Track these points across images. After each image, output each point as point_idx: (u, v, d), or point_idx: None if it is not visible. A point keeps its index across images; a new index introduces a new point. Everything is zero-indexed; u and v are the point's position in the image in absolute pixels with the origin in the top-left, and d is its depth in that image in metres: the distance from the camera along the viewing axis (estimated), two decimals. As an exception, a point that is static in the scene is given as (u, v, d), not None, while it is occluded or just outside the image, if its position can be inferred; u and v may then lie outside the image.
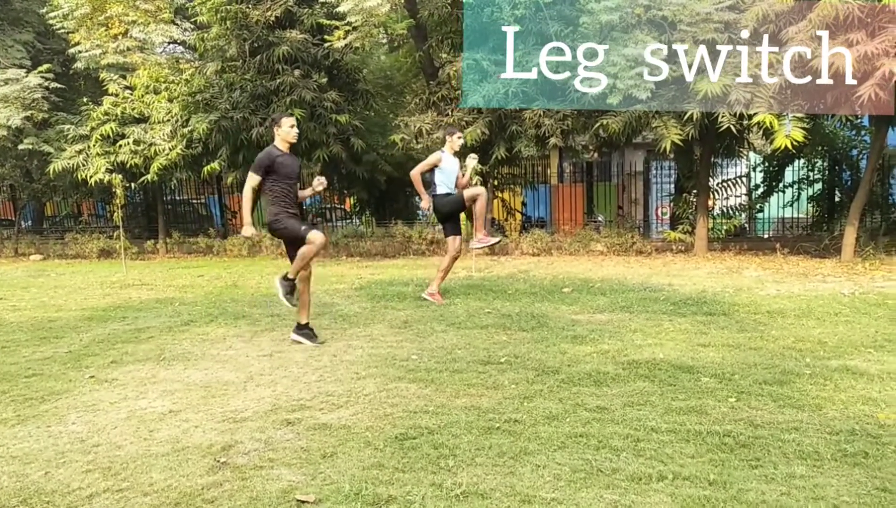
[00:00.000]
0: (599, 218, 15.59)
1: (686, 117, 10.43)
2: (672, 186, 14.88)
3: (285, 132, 5.83)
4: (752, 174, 15.01)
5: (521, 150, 12.46)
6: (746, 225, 14.93)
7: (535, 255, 12.50)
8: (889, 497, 2.91)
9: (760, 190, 14.55)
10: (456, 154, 7.75)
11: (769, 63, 9.81)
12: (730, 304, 7.14)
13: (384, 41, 15.19)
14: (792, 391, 4.29)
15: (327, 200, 18.17)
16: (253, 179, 5.80)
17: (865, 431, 3.59)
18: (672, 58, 10.25)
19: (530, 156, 15.53)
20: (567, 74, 10.96)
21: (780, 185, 14.25)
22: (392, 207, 16.98)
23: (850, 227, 10.54)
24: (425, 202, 7.84)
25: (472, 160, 7.95)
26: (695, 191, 12.79)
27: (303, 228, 5.79)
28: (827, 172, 13.85)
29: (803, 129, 9.72)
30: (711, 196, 13.66)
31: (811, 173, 14.03)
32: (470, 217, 9.25)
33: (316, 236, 5.74)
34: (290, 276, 5.86)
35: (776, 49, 9.71)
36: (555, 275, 9.80)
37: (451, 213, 7.75)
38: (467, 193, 7.63)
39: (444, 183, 7.65)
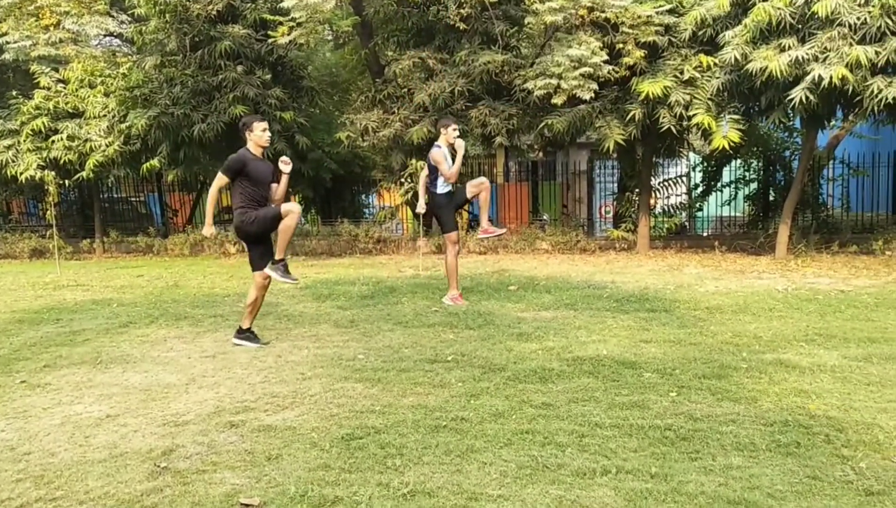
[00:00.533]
0: (544, 217, 15.77)
1: (628, 118, 10.65)
2: (615, 185, 15.17)
3: (257, 136, 5.68)
4: (692, 174, 15.41)
5: (468, 149, 12.49)
6: (687, 224, 15.32)
7: (481, 253, 12.57)
8: (819, 484, 3.02)
9: (700, 189, 14.96)
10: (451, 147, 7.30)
11: (707, 66, 10.11)
12: (671, 301, 7.31)
13: (329, 38, 15.04)
14: (729, 385, 4.42)
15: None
16: (220, 180, 5.66)
17: (798, 422, 3.73)
18: (615, 59, 10.46)
19: (477, 155, 15.63)
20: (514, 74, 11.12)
21: (718, 184, 14.69)
22: (338, 205, 16.85)
23: (783, 225, 10.93)
24: (421, 206, 7.67)
25: (461, 147, 7.26)
26: (637, 190, 13.06)
27: (271, 207, 5.72)
28: (762, 172, 14.32)
29: (739, 130, 10.04)
30: (653, 195, 13.98)
31: (747, 173, 14.49)
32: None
33: (292, 206, 5.64)
34: (279, 256, 5.73)
35: (714, 52, 10.00)
36: (501, 273, 9.88)
37: (442, 219, 7.47)
38: (471, 186, 7.37)
39: (443, 181, 7.26)
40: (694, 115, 10.11)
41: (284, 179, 5.82)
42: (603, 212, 16.65)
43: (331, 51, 16.59)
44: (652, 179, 13.61)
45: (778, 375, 4.61)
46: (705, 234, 15.03)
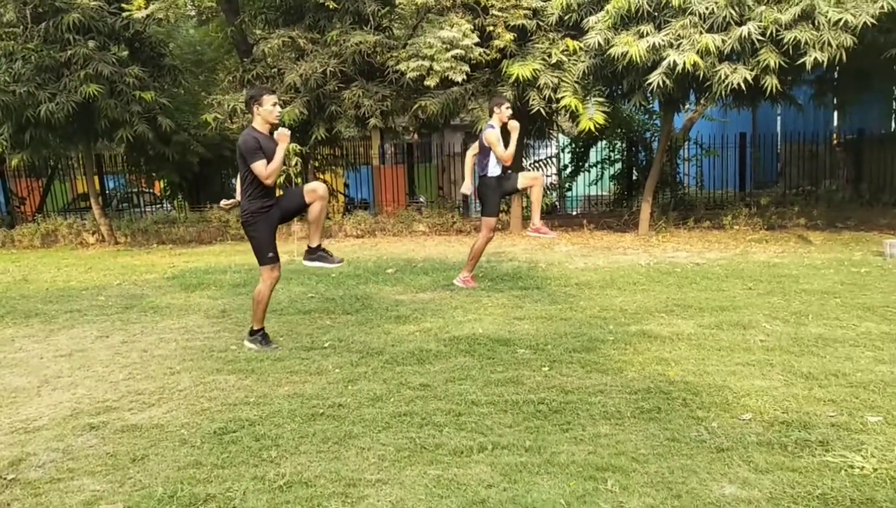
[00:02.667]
0: (421, 199, 15.85)
1: (500, 100, 10.83)
2: (489, 166, 15.43)
3: (267, 111, 4.94)
4: (562, 155, 15.98)
5: (342, 130, 12.31)
6: (557, 203, 15.89)
7: (358, 237, 12.46)
8: (677, 445, 3.23)
9: (569, 170, 15.54)
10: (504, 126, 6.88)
11: (573, 50, 10.46)
12: (543, 278, 7.56)
13: (192, 13, 14.26)
14: (598, 357, 4.63)
15: (133, 183, 16.87)
16: (257, 165, 4.81)
17: (659, 388, 3.97)
18: (486, 42, 10.59)
19: (352, 137, 15.42)
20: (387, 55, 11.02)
21: (586, 165, 15.32)
22: (207, 190, 16.12)
23: (645, 203, 11.56)
24: (468, 187, 7.27)
25: (516, 129, 6.87)
26: (510, 172, 13.35)
27: (293, 190, 5.10)
28: (625, 152, 15.07)
29: (604, 112, 10.47)
30: (525, 176, 14.35)
31: (612, 154, 15.20)
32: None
33: (316, 186, 5.04)
34: (314, 245, 5.23)
35: (579, 37, 10.35)
36: (378, 256, 9.84)
37: (485, 202, 7.10)
38: (525, 177, 7.06)
39: (497, 162, 6.87)
40: (562, 97, 10.43)
41: (280, 151, 4.93)
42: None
43: (194, 27, 15.75)
44: (524, 160, 13.97)
45: (641, 345, 4.87)
46: (575, 213, 15.65)
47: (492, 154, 6.83)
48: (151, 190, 17.23)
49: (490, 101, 7.55)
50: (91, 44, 11.22)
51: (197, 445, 3.43)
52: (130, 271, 9.21)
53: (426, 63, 10.24)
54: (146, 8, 10.33)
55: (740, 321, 5.43)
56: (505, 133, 6.85)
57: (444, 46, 10.15)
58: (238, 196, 5.14)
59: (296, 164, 10.65)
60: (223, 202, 5.75)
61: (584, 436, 3.37)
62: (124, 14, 11.13)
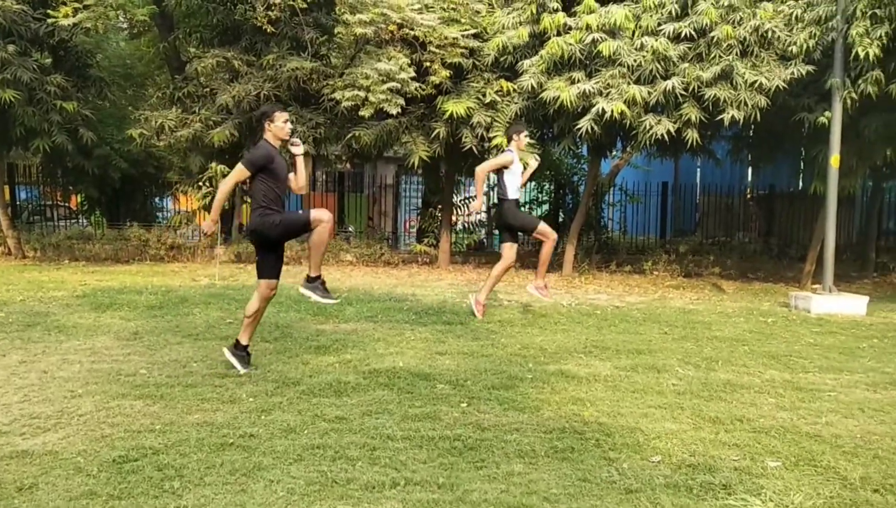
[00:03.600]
0: (350, 229, 15.76)
1: (433, 135, 10.96)
2: (420, 200, 15.54)
3: (278, 128, 4.96)
4: (492, 194, 16.21)
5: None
6: (485, 240, 16.07)
7: (285, 264, 12.22)
8: (588, 486, 3.26)
9: (484, 207, 15.77)
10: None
11: (507, 91, 10.70)
12: (467, 314, 7.58)
13: (124, 26, 13.90)
14: (516, 395, 4.65)
15: (48, 196, 16.14)
16: (241, 174, 4.92)
17: (573, 428, 4.01)
18: (423, 77, 10.72)
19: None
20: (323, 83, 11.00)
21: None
22: (128, 207, 15.58)
23: (570, 245, 11.83)
24: (478, 204, 7.47)
25: (535, 161, 7.55)
26: (440, 206, 13.46)
27: (299, 212, 5.07)
28: (553, 195, 15.43)
29: (534, 154, 10.71)
30: (455, 212, 14.50)
31: (540, 195, 15.53)
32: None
33: (323, 214, 4.99)
34: (314, 274, 5.19)
35: (514, 79, 10.61)
36: (303, 284, 9.66)
37: (517, 226, 7.36)
38: (542, 229, 7.24)
39: (514, 186, 7.09)
40: (494, 136, 10.62)
41: (300, 162, 5.09)
42: (408, 226, 16.99)
43: (125, 40, 15.36)
44: (454, 196, 14.12)
45: (559, 385, 4.93)
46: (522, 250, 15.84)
47: (510, 177, 7.05)
48: (67, 204, 16.51)
49: (508, 128, 7.92)
50: (10, 48, 10.77)
51: (93, 474, 3.25)
52: (37, 287, 8.75)
53: (362, 94, 10.27)
54: (74, 16, 10.01)
55: (655, 364, 5.58)
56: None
57: (381, 78, 10.22)
58: (214, 215, 5.09)
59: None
60: (205, 226, 5.37)
61: (497, 474, 3.37)
62: (49, 20, 10.74)
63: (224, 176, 10.49)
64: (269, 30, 10.80)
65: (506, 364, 5.45)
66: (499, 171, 7.11)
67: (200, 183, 11.72)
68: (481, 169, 7.26)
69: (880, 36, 8.20)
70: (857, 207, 14.43)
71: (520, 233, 7.79)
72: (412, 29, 10.35)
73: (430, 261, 12.89)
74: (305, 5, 10.48)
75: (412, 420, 4.09)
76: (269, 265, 5.09)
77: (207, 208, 12.06)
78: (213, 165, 10.68)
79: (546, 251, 7.38)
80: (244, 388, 4.63)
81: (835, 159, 8.70)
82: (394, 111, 10.41)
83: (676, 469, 3.46)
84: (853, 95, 8.68)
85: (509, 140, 7.32)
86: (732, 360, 5.83)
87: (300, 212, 5.26)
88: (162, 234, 12.65)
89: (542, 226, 7.32)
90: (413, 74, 10.46)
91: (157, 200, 17.44)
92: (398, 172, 17.50)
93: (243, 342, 5.11)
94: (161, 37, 12.41)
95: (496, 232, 16.18)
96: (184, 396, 4.45)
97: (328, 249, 12.57)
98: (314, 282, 5.24)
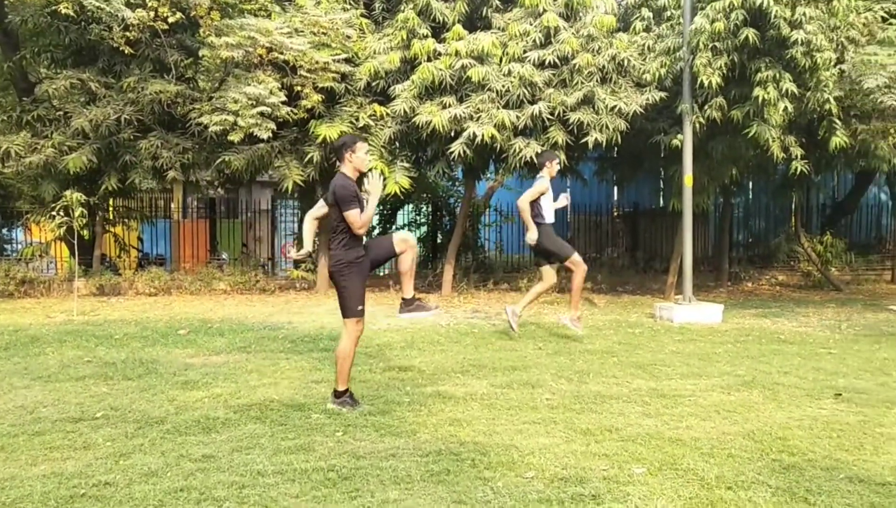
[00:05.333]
0: (223, 256, 15.19)
1: (307, 159, 10.79)
2: (297, 225, 15.24)
3: (360, 159, 4.88)
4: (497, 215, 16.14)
5: (137, 182, 11.54)
6: (366, 263, 15.94)
7: (151, 295, 11.59)
8: (463, 507, 3.26)
9: (377, 231, 15.73)
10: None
11: (381, 115, 10.72)
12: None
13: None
14: (392, 420, 4.60)
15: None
16: (321, 210, 5.04)
17: (450, 450, 4.01)
18: (294, 101, 10.55)
19: (151, 189, 14.53)
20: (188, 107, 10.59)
21: (394, 227, 15.61)
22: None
23: (448, 265, 11.96)
24: (533, 233, 7.31)
25: (565, 200, 7.83)
26: (317, 231, 13.24)
27: (381, 239, 5.07)
28: (431, 216, 15.59)
29: (410, 177, 10.78)
30: (333, 236, 14.30)
31: (418, 217, 15.65)
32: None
33: (407, 236, 5.08)
34: (409, 296, 5.11)
35: (386, 103, 10.66)
36: (172, 316, 9.19)
37: (553, 250, 7.40)
38: (574, 259, 7.38)
39: (550, 211, 7.31)
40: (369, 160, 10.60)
41: (374, 200, 4.86)
42: (285, 251, 16.60)
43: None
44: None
45: (436, 406, 4.93)
46: (381, 274, 15.79)
47: (546, 202, 7.27)
48: None
49: (539, 156, 8.03)
50: None
51: (-83, 542, 2.89)
52: None
53: (230, 118, 9.95)
54: None
55: (529, 380, 5.71)
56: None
57: (250, 103, 9.96)
58: (307, 245, 5.21)
59: (80, 215, 9.75)
60: (293, 253, 5.34)
61: (372, 503, 3.30)
62: None
63: (83, 204, 9.84)
64: (127, 51, 10.29)
65: (383, 389, 5.40)
66: (538, 198, 7.31)
67: (54, 212, 10.89)
68: (524, 201, 7.32)
69: (720, 66, 8.92)
70: (710, 222, 15.53)
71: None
72: (282, 53, 10.17)
73: (308, 287, 12.63)
74: (167, 27, 10.07)
75: (285, 453, 3.95)
76: (356, 301, 4.87)
77: (62, 239, 11.28)
78: (69, 193, 9.96)
79: (577, 282, 7.50)
80: (100, 432, 4.31)
81: (688, 179, 9.33)
82: (265, 135, 10.16)
83: (549, 484, 3.52)
84: (701, 119, 9.36)
85: (542, 167, 7.53)
86: (603, 372, 6.06)
87: (382, 239, 5.17)
88: (11, 267, 11.64)
89: (576, 256, 7.43)
90: (284, 98, 10.27)
91: (4, 230, 16.08)
92: (274, 197, 17.10)
93: (341, 388, 4.88)
94: (5, 56, 11.52)
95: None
96: (29, 445, 4.07)
97: (196, 276, 12.06)
98: (411, 303, 5.16)
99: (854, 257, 15.06)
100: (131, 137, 10.83)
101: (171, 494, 3.37)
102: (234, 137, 10.05)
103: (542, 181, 7.34)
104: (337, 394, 4.88)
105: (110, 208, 13.58)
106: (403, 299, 5.16)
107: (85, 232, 11.07)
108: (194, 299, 11.29)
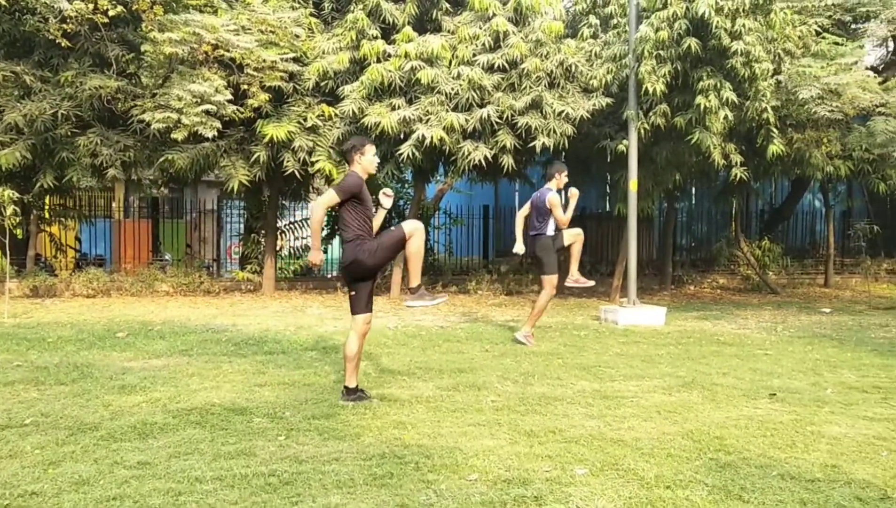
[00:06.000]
0: (167, 257, 14.82)
1: (253, 159, 10.63)
2: (243, 225, 14.98)
3: (369, 162, 5.03)
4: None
5: (75, 180, 11.18)
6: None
7: (89, 296, 11.24)
8: (406, 511, 3.24)
9: (325, 232, 15.58)
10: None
11: (329, 116, 10.63)
12: (290, 342, 7.37)
13: None
14: (337, 424, 4.55)
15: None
16: (332, 200, 4.83)
17: (393, 453, 3.98)
18: (241, 100, 10.38)
19: (90, 187, 14.09)
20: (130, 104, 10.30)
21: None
22: None
23: (396, 268, 11.91)
24: (520, 247, 7.58)
25: (575, 196, 7.59)
26: (263, 231, 13.06)
27: (391, 230, 5.05)
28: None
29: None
30: (280, 237, 14.13)
31: (368, 219, 15.54)
32: None
33: (417, 224, 5.07)
34: (415, 284, 5.11)
35: (335, 104, 10.57)
36: (110, 318, 8.92)
37: (542, 260, 7.49)
38: (568, 235, 7.48)
39: (553, 224, 7.39)
40: (317, 161, 10.51)
41: (381, 215, 5.16)
42: (231, 253, 16.31)
43: None
44: (279, 220, 13.76)
45: (381, 410, 4.89)
46: (330, 275, 15.65)
47: (551, 215, 7.31)
48: None
49: (549, 167, 7.97)
50: None
51: None
52: None
53: (174, 115, 9.72)
54: None
55: (475, 382, 5.72)
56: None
57: (195, 100, 9.75)
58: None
59: (13, 213, 9.38)
60: (314, 256, 5.19)
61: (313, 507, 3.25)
62: None
63: (15, 202, 9.47)
64: (64, 44, 9.96)
65: (328, 393, 5.33)
66: (541, 210, 7.38)
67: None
68: (520, 215, 7.69)
69: (664, 74, 9.13)
70: (655, 226, 15.86)
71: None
72: (228, 50, 10.00)
73: (254, 289, 12.43)
74: (107, 20, 9.79)
75: (224, 459, 3.86)
76: (364, 299, 5.03)
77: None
78: (1, 190, 9.57)
79: (542, 302, 7.55)
80: (29, 439, 4.14)
81: (633, 184, 9.51)
82: (210, 134, 9.96)
83: (492, 486, 3.53)
84: (646, 125, 9.56)
85: (550, 178, 7.56)
86: (548, 373, 6.11)
87: (391, 229, 5.12)
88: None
89: (555, 279, 7.51)
90: (230, 97, 10.09)
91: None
92: (220, 197, 16.77)
93: (351, 385, 5.05)
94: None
95: (325, 255, 16.00)
96: (-48, 454, 3.89)
97: (138, 277, 11.74)
98: (417, 291, 5.16)
99: (790, 262, 15.59)
100: (69, 133, 10.48)
101: (102, 503, 3.26)
102: (178, 135, 9.82)
103: (554, 194, 7.43)
104: (347, 391, 5.08)
105: (46, 207, 13.11)
106: (409, 288, 5.25)
107: (18, 231, 10.67)
108: (135, 300, 10.98)
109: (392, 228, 5.19)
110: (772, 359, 6.92)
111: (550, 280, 7.51)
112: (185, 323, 8.57)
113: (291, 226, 14.86)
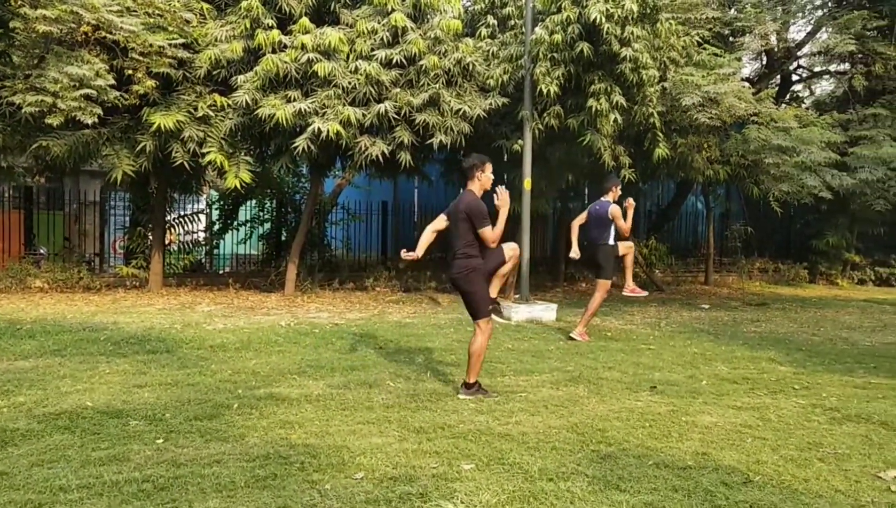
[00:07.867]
0: (41, 251, 13.87)
1: (139, 149, 10.09)
2: (128, 218, 14.24)
3: (488, 178, 5.36)
4: (210, 211, 15.42)
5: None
6: (204, 261, 15.21)
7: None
8: (288, 513, 3.15)
9: (217, 227, 15.04)
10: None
11: (221, 106, 10.24)
12: (175, 340, 7.05)
13: None
14: (220, 424, 4.38)
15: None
16: (442, 223, 5.54)
17: (279, 454, 3.87)
18: (125, 85, 9.83)
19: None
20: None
21: (235, 222, 14.99)
22: None
23: (291, 264, 11.65)
24: (575, 252, 8.01)
25: (632, 207, 7.95)
26: (151, 225, 12.45)
27: (496, 249, 5.30)
28: (275, 213, 15.13)
29: (252, 171, 10.39)
30: (169, 231, 13.52)
31: (262, 213, 15.14)
32: None
33: (516, 247, 5.50)
34: (496, 295, 5.47)
35: (228, 93, 10.20)
36: (-26, 317, 8.25)
37: (602, 265, 7.86)
38: (622, 246, 7.87)
39: (614, 232, 7.75)
40: (208, 152, 10.10)
41: (503, 215, 5.24)
42: (116, 247, 15.48)
43: None
44: (168, 214, 13.16)
45: (268, 409, 4.76)
46: (222, 272, 15.13)
47: (612, 225, 7.72)
48: None
49: (605, 181, 8.24)
50: None
51: None
52: None
53: (49, 99, 9.08)
54: None
55: (367, 380, 5.67)
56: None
57: (73, 84, 9.14)
58: (419, 250, 5.54)
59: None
60: (404, 254, 5.65)
61: (189, 514, 3.11)
62: None
63: None
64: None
65: (213, 392, 5.13)
66: (603, 220, 7.79)
67: None
68: (575, 223, 8.19)
69: (558, 76, 9.37)
70: (548, 225, 16.28)
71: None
72: (111, 32, 9.43)
73: (139, 285, 11.84)
74: (-27, -8, 9.04)
75: (94, 465, 3.64)
76: (484, 303, 5.27)
77: None
78: None
79: (596, 303, 7.98)
80: None
81: (527, 183, 9.71)
82: (89, 121, 9.36)
83: (378, 484, 3.49)
84: (540, 126, 9.78)
85: (607, 191, 7.96)
86: (440, 370, 6.14)
87: (496, 250, 5.34)
88: None
89: (609, 282, 7.97)
90: (113, 82, 9.52)
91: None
92: (104, 188, 15.84)
93: (472, 380, 5.27)
94: None
95: (216, 251, 15.45)
96: None
97: (7, 272, 10.92)
98: (492, 302, 5.47)
99: (674, 261, 16.40)
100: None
101: (-49, 517, 3.00)
102: (53, 120, 9.18)
103: (615, 206, 7.84)
104: (467, 386, 5.27)
105: None
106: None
107: None
108: (4, 297, 10.21)
109: (497, 248, 5.37)
110: (654, 353, 7.24)
111: (605, 285, 7.99)
112: (60, 321, 8.04)
113: (181, 220, 14.23)
